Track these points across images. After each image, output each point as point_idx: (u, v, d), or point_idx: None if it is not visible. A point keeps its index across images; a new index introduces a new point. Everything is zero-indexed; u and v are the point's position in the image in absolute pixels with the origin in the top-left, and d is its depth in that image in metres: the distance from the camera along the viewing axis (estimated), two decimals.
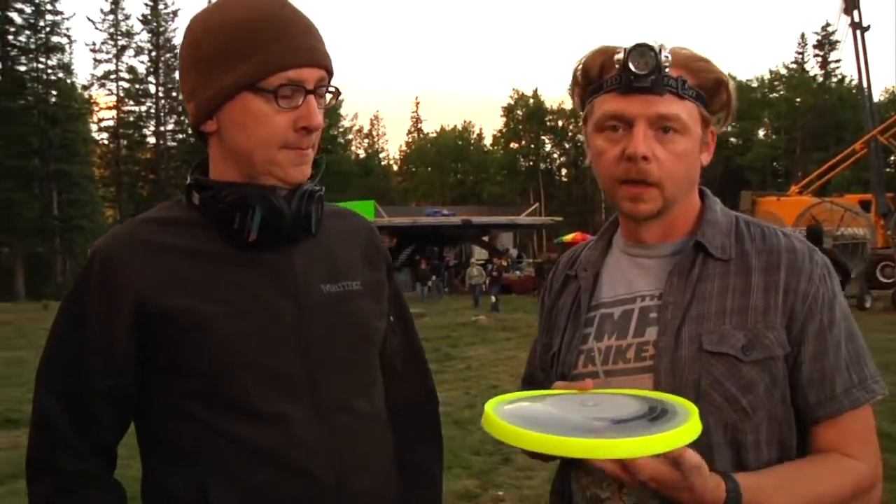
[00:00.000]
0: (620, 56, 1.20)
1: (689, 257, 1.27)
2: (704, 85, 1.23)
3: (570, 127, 66.94)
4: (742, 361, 1.18)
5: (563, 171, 72.31)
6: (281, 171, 1.20)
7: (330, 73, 1.24)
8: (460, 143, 79.23)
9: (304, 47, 1.19)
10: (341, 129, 62.16)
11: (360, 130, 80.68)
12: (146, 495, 1.27)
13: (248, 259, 1.22)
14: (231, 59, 1.16)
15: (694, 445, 1.04)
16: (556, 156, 72.05)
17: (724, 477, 1.09)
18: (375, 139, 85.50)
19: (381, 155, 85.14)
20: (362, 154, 78.29)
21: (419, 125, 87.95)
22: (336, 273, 1.30)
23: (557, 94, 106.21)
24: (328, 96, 1.26)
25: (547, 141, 72.42)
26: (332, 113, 57.99)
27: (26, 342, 13.82)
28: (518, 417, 1.04)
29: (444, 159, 77.28)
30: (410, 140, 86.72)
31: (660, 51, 1.18)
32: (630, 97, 1.20)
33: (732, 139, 64.19)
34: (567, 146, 68.76)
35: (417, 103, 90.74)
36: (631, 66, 1.18)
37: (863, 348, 1.25)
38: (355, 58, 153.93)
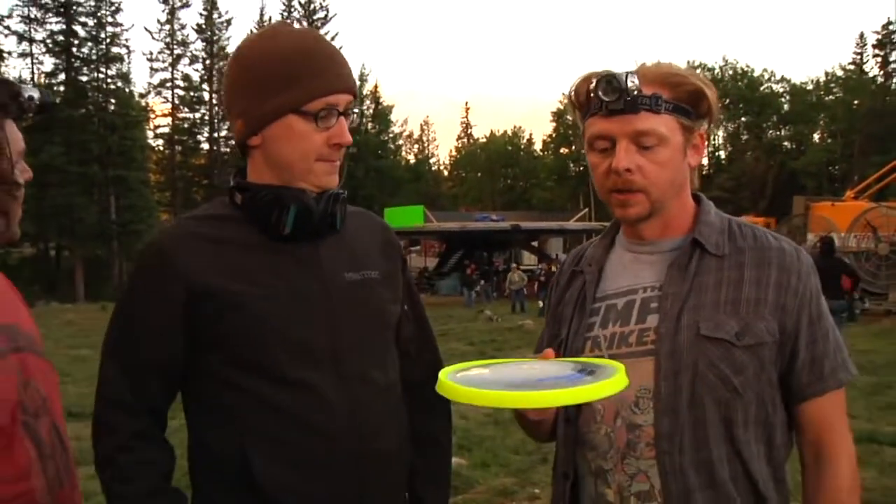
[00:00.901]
0: (593, 85, 1.37)
1: (687, 253, 1.42)
2: (682, 97, 1.38)
3: None
4: (735, 346, 1.34)
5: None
6: (315, 178, 1.42)
7: (356, 96, 1.46)
8: (510, 148, 78.98)
9: (340, 76, 1.41)
10: (391, 135, 62.60)
11: (409, 136, 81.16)
12: (191, 452, 1.48)
13: (281, 249, 1.42)
14: (280, 85, 1.36)
15: (689, 422, 1.32)
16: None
17: None
18: (426, 144, 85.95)
19: (432, 160, 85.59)
20: (412, 159, 78.66)
21: (469, 130, 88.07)
22: (357, 263, 1.50)
23: None
24: (354, 116, 1.50)
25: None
26: (383, 119, 58.55)
27: (87, 341, 14.29)
28: (463, 379, 1.23)
29: (493, 164, 77.07)
30: (460, 145, 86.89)
31: (626, 77, 1.33)
32: (610, 119, 1.36)
33: (786, 143, 62.82)
34: None
35: (467, 108, 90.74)
36: (601, 95, 1.35)
37: (839, 336, 1.44)
38: (405, 64, 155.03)
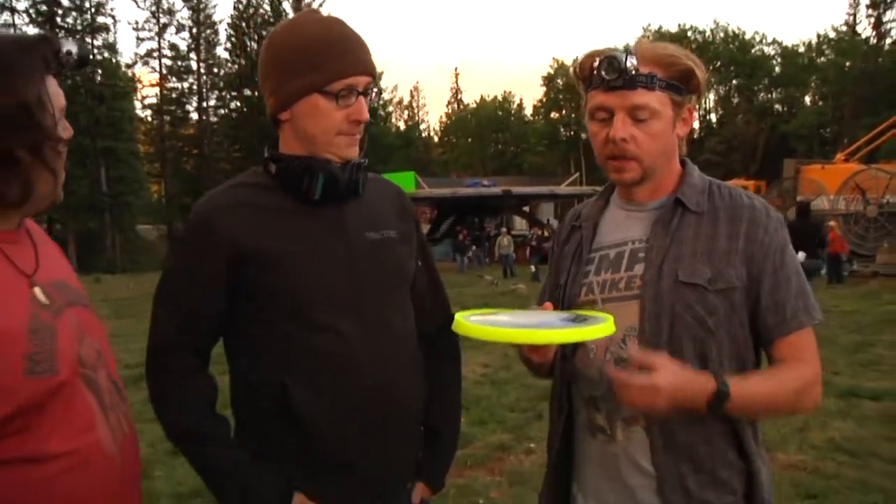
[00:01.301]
0: (596, 64, 1.56)
1: (669, 211, 1.63)
2: (674, 76, 1.56)
3: None
4: (708, 290, 1.54)
5: None
6: (337, 150, 1.60)
7: (374, 77, 1.62)
8: (500, 113, 78.76)
9: (360, 60, 1.58)
10: (381, 102, 62.27)
11: (399, 102, 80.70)
12: (234, 389, 1.68)
13: (311, 213, 1.61)
14: (305, 67, 1.54)
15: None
16: None
17: (714, 375, 1.47)
18: (416, 111, 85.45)
19: (422, 126, 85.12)
20: (402, 126, 78.28)
21: (459, 96, 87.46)
22: (377, 224, 1.68)
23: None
24: (373, 95, 1.67)
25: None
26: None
27: None
28: (475, 320, 1.49)
29: (484, 130, 76.87)
30: (450, 111, 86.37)
31: (626, 58, 1.52)
32: (610, 93, 1.55)
33: (777, 106, 62.67)
34: None
35: (457, 74, 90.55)
36: (603, 73, 1.54)
37: (806, 285, 1.61)
38: (394, 29, 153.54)
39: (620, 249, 1.66)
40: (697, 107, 1.65)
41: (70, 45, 1.39)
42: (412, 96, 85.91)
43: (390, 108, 71.87)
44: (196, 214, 1.61)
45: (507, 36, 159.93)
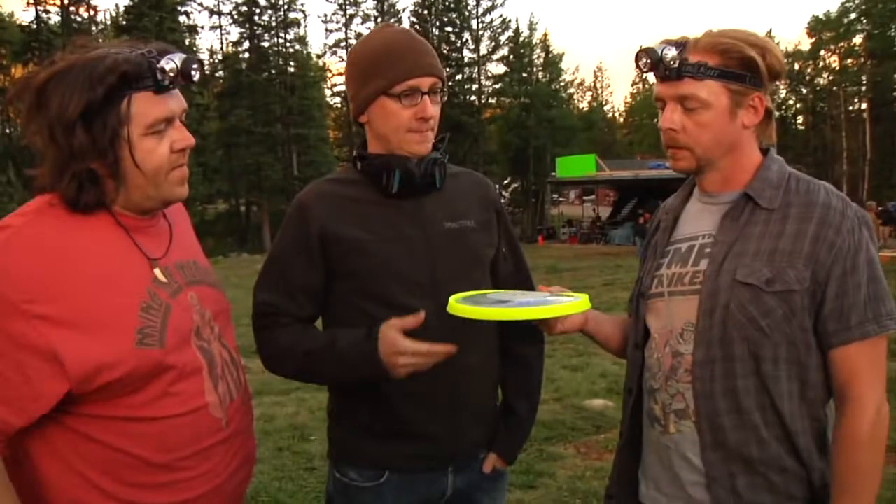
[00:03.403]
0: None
1: (739, 205, 1.59)
2: (730, 64, 1.53)
3: (809, 70, 59.49)
4: (764, 291, 1.49)
5: (800, 119, 65.25)
6: (409, 146, 1.76)
7: (442, 79, 1.78)
8: None
9: (420, 64, 1.74)
10: (562, 84, 61.31)
11: (582, 84, 79.49)
12: None
13: (392, 204, 1.79)
14: (373, 75, 1.74)
15: (720, 355, 1.52)
16: (791, 102, 64.94)
17: None
18: (599, 91, 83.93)
19: (606, 108, 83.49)
20: (585, 107, 77.05)
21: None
22: (456, 214, 1.84)
23: (793, 35, 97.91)
24: (443, 94, 1.81)
25: (781, 86, 65.81)
26: (554, 67, 57.45)
27: None
28: (464, 300, 1.63)
29: None
30: (635, 91, 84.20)
31: (661, 50, 1.54)
32: (662, 84, 1.59)
33: None
34: (804, 91, 60.98)
35: None
36: (639, 65, 1.59)
37: (884, 290, 1.51)
38: (577, 9, 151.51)
39: (691, 243, 1.65)
40: (773, 94, 1.61)
41: (166, 62, 1.42)
42: (595, 77, 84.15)
43: (571, 90, 70.75)
44: (296, 201, 1.83)
45: (694, 11, 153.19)
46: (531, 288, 1.96)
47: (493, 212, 1.94)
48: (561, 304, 1.58)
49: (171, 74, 1.43)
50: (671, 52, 1.53)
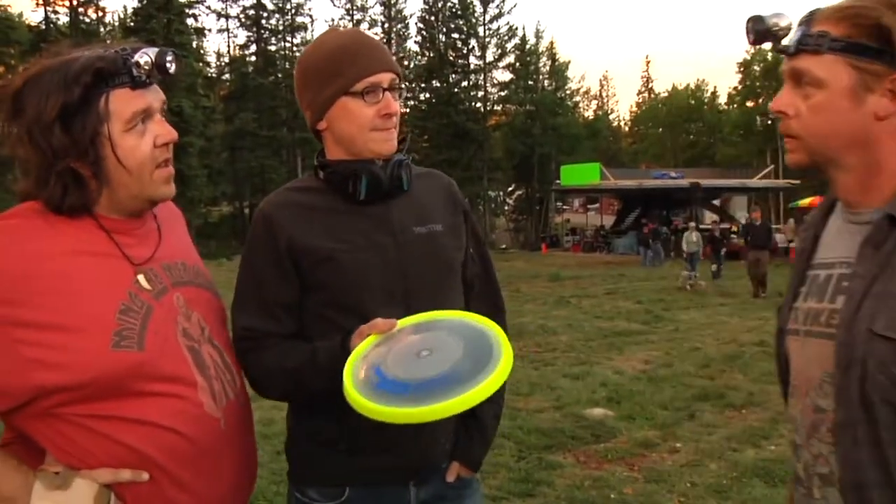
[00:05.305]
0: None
1: (882, 228, 1.23)
2: (857, 33, 1.20)
3: None
4: None
5: None
6: (375, 146, 1.70)
7: (398, 74, 1.73)
8: (692, 102, 75.37)
9: (378, 60, 1.70)
10: (568, 92, 61.45)
11: (587, 92, 79.55)
12: None
13: (359, 212, 1.72)
14: (331, 76, 1.69)
15: (863, 418, 1.18)
16: None
17: None
18: (605, 100, 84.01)
19: (611, 116, 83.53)
20: (591, 116, 77.10)
21: (650, 85, 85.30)
22: (423, 218, 1.78)
23: None
24: (401, 90, 1.77)
25: None
26: (559, 75, 57.55)
27: None
28: (364, 386, 1.44)
29: (675, 119, 73.68)
30: (641, 100, 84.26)
31: (771, 18, 1.29)
32: (786, 60, 1.28)
33: None
34: None
35: (648, 62, 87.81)
36: (750, 36, 1.33)
37: None
38: (584, 17, 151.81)
39: (829, 272, 1.32)
40: None
41: (142, 56, 1.43)
42: (601, 85, 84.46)
43: (577, 98, 70.81)
44: (258, 213, 1.75)
45: (700, 22, 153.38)
46: (496, 290, 1.95)
47: (460, 213, 1.89)
48: (479, 386, 1.38)
49: (147, 68, 1.43)
50: (784, 21, 1.28)
